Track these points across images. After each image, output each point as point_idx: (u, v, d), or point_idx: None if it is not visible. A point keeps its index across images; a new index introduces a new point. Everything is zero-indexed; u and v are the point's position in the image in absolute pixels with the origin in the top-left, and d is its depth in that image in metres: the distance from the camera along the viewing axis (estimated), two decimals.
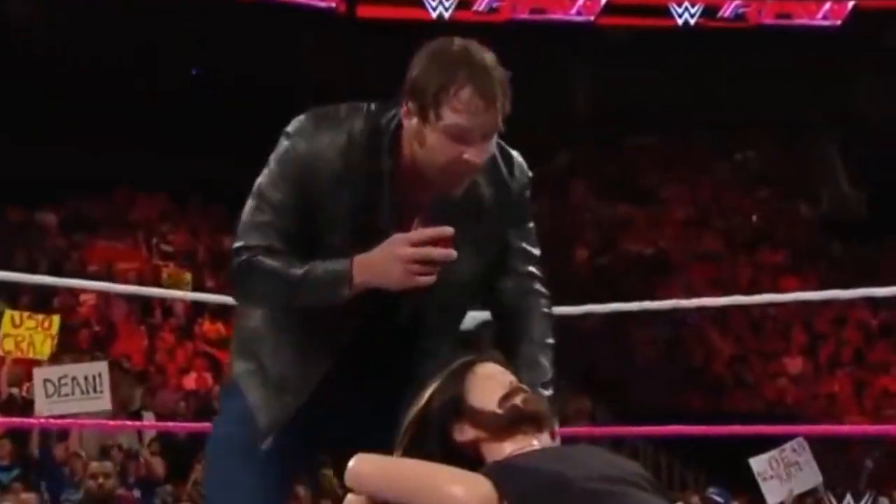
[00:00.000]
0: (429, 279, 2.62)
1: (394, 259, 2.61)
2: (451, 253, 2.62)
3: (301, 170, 2.72)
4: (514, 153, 2.88)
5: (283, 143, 2.75)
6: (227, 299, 5.47)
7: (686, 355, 16.98)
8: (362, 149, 2.72)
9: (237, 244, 2.76)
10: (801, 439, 9.63)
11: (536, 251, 2.93)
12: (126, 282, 12.36)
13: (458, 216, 2.69)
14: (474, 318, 2.97)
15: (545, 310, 2.91)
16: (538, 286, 2.92)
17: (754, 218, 19.75)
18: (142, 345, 13.34)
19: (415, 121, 2.66)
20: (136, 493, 9.68)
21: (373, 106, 2.79)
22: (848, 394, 15.87)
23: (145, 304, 13.83)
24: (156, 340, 13.50)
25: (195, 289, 12.99)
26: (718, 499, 10.08)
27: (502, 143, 2.84)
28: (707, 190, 20.18)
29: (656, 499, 2.43)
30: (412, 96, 2.66)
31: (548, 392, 2.79)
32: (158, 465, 10.09)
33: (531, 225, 2.93)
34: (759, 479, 9.60)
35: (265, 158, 2.80)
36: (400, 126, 2.72)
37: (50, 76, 16.53)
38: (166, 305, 13.99)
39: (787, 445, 9.56)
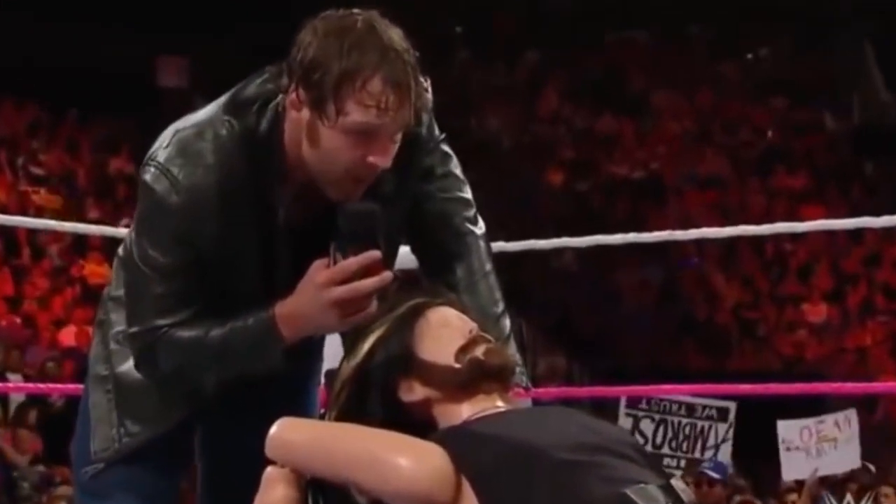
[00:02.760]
0: (369, 312, 2.65)
1: (323, 306, 2.64)
2: (386, 276, 2.65)
3: (181, 224, 2.69)
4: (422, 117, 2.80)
5: (150, 198, 2.70)
6: (116, 232, 5.45)
7: (683, 302, 17.10)
8: (242, 177, 2.70)
9: (135, 329, 2.77)
10: (852, 411, 9.77)
11: (449, 167, 2.94)
12: None
13: (372, 223, 2.66)
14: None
15: (476, 230, 2.94)
16: (458, 206, 2.94)
17: (768, 133, 19.83)
18: (5, 291, 13.29)
19: (306, 112, 2.62)
20: None
21: (232, 108, 2.73)
22: (883, 348, 16.03)
23: (10, 239, 13.76)
24: (24, 286, 13.45)
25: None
26: (713, 474, 10.20)
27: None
28: (708, 98, 20.23)
29: (647, 472, 2.44)
30: (305, 83, 2.59)
31: (504, 326, 2.87)
32: (27, 440, 10.08)
33: (447, 153, 2.94)
34: (782, 447, 9.71)
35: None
36: (280, 116, 2.69)
37: None
38: (37, 242, 13.92)
39: (831, 417, 9.69)
